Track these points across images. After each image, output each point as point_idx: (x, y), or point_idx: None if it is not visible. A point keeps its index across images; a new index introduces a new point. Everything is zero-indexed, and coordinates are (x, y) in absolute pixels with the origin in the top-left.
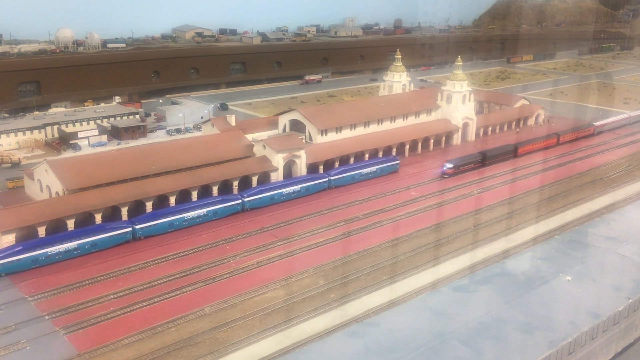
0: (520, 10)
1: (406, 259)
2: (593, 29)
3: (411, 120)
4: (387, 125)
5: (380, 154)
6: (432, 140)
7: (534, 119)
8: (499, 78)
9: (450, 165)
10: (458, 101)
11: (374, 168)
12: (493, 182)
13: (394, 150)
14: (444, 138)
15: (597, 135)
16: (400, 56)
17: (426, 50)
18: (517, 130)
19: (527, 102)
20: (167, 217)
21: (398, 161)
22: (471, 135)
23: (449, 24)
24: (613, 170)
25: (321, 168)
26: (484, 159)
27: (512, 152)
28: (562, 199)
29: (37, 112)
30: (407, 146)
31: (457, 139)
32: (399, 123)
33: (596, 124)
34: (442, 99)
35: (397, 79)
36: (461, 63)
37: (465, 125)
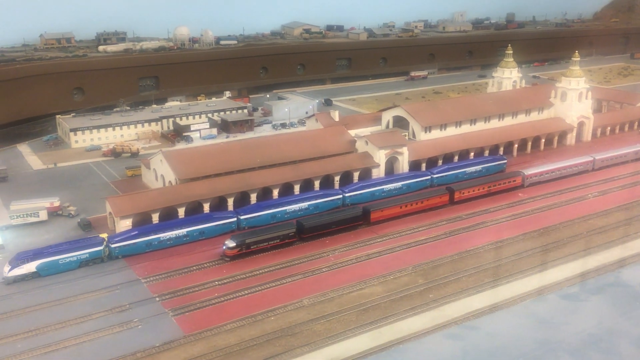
0: None
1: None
2: None
3: (521, 118)
4: (494, 123)
5: (487, 152)
6: (543, 140)
7: None
8: (620, 75)
9: (232, 244)
10: (573, 99)
11: (479, 167)
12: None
13: (501, 149)
14: (556, 138)
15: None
16: (511, 51)
17: (540, 45)
18: None
19: None
20: (270, 209)
21: (505, 160)
22: (587, 136)
23: (567, 18)
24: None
25: (424, 166)
26: (301, 232)
27: (360, 219)
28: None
29: (154, 105)
30: (516, 145)
31: (571, 138)
32: (508, 121)
33: (527, 172)
34: (556, 97)
35: (507, 75)
36: (579, 59)
37: (581, 124)
